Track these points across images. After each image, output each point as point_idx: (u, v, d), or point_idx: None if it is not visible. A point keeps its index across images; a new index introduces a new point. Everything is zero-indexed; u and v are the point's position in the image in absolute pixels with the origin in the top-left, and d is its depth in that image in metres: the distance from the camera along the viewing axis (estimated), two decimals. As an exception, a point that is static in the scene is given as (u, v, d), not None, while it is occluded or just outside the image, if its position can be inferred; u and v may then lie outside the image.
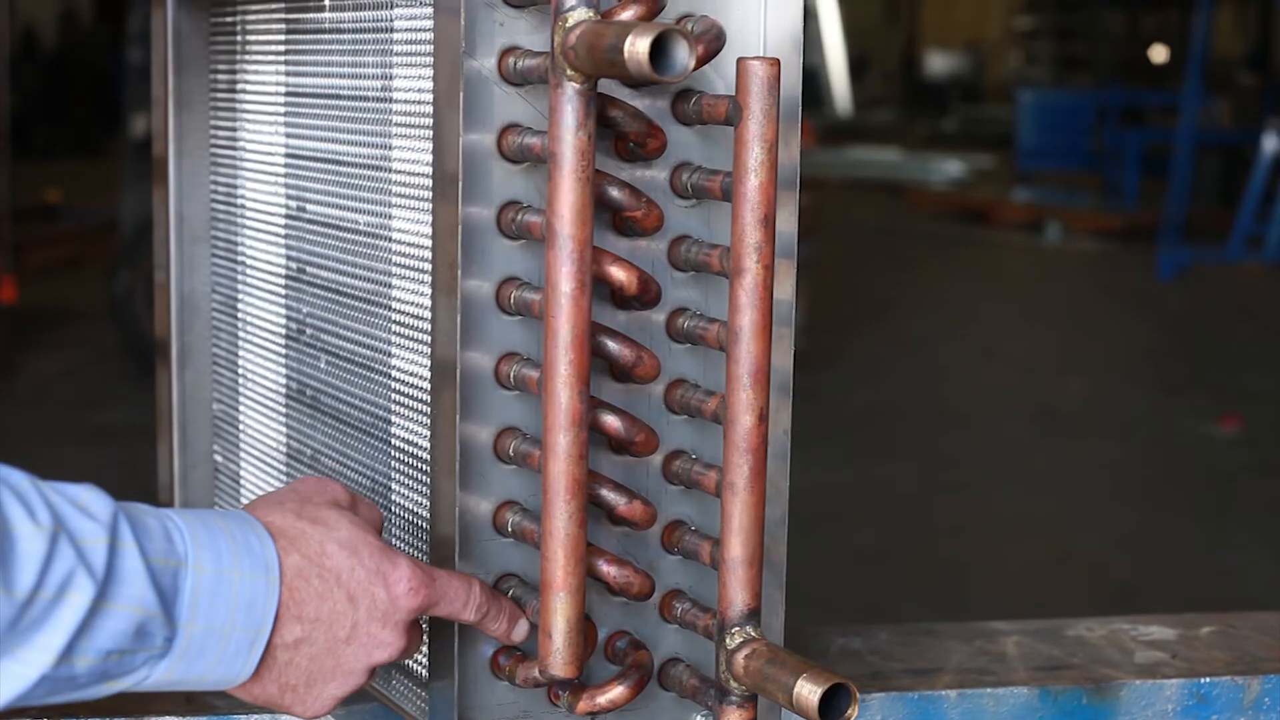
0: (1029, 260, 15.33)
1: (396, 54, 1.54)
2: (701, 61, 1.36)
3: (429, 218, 1.47)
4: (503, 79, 1.38)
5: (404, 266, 1.54)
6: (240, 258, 1.94)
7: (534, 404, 1.42)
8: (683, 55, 1.19)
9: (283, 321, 1.83)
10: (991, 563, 6.50)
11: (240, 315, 1.95)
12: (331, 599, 1.30)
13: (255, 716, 1.64)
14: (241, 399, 1.95)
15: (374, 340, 1.61)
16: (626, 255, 1.41)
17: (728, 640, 1.32)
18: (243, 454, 1.97)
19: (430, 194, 1.45)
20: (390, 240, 1.57)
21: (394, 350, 1.57)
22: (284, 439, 1.85)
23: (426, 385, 1.49)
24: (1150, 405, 9.24)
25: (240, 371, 1.95)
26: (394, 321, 1.57)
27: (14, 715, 1.48)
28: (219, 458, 2.04)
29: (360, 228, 1.63)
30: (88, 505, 1.18)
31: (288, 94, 1.79)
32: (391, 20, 1.55)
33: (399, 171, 1.55)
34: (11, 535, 1.12)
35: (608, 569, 1.39)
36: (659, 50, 1.18)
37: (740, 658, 1.31)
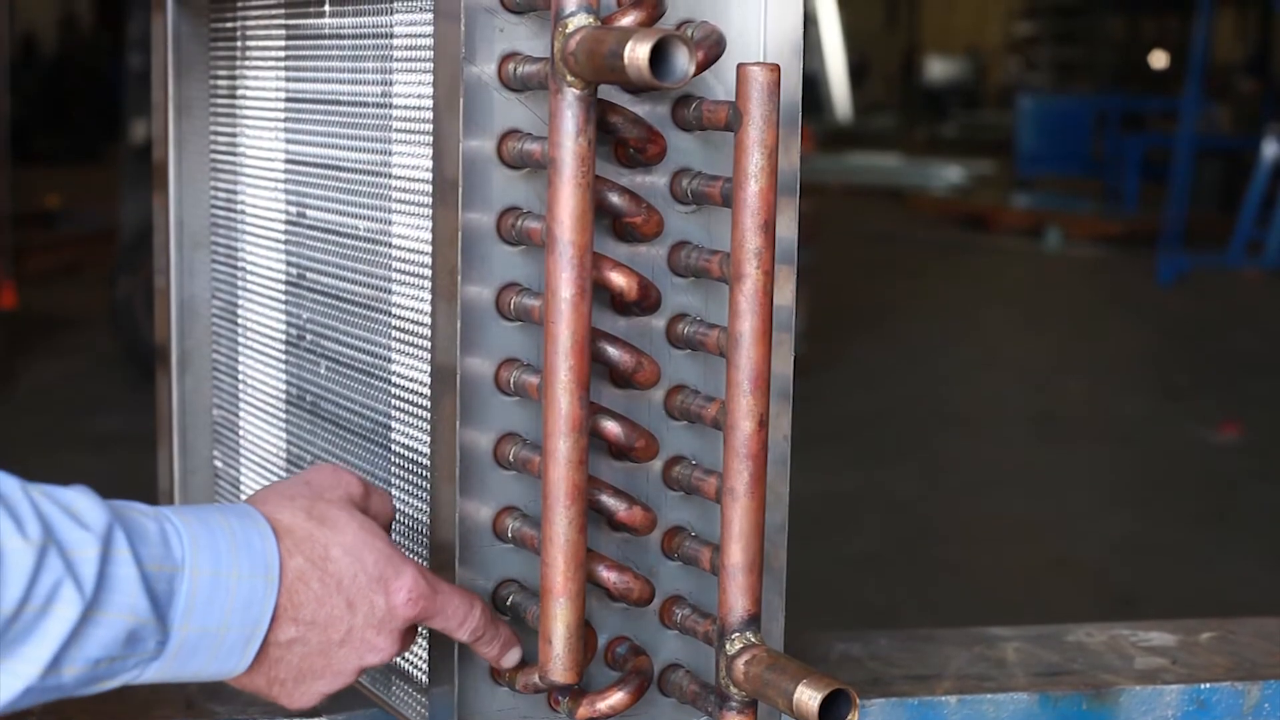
0: (1029, 266, 15.33)
1: (396, 59, 1.54)
2: (701, 67, 1.36)
3: (429, 223, 1.47)
4: (503, 85, 1.38)
5: (404, 272, 1.54)
6: (240, 263, 1.94)
7: (534, 409, 1.42)
8: (683, 61, 1.19)
9: (283, 327, 1.83)
10: (991, 568, 6.50)
11: (240, 321, 1.95)
12: (330, 603, 1.29)
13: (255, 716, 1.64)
14: (241, 404, 1.95)
15: (374, 346, 1.61)
16: (626, 261, 1.41)
17: (728, 646, 1.32)
18: (243, 459, 1.97)
19: (430, 200, 1.45)
20: (390, 246, 1.57)
21: (394, 356, 1.57)
22: (284, 445, 1.85)
23: (426, 391, 1.49)
24: (1150, 411, 9.23)
25: (240, 377, 1.95)
26: (394, 327, 1.57)
27: (15, 717, 1.48)
28: (219, 463, 2.04)
29: (360, 233, 1.63)
30: (81, 513, 1.17)
31: (288, 99, 1.80)
32: (391, 26, 1.55)
33: (399, 177, 1.55)
34: None
35: (608, 574, 1.39)
36: (659, 56, 1.18)
37: (740, 663, 1.31)
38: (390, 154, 1.56)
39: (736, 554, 1.31)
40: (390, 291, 1.57)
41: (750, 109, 1.27)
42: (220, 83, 1.97)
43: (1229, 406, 9.16)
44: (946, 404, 9.36)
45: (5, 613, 1.11)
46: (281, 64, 1.81)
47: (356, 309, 1.65)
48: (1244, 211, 14.16)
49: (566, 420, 1.28)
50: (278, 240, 1.83)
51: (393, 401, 1.57)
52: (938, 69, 34.80)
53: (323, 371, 1.74)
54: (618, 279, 1.37)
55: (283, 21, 1.79)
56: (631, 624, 1.47)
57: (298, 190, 1.78)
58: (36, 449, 7.19)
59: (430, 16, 1.45)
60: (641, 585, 1.41)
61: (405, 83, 1.53)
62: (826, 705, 1.24)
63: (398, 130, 1.54)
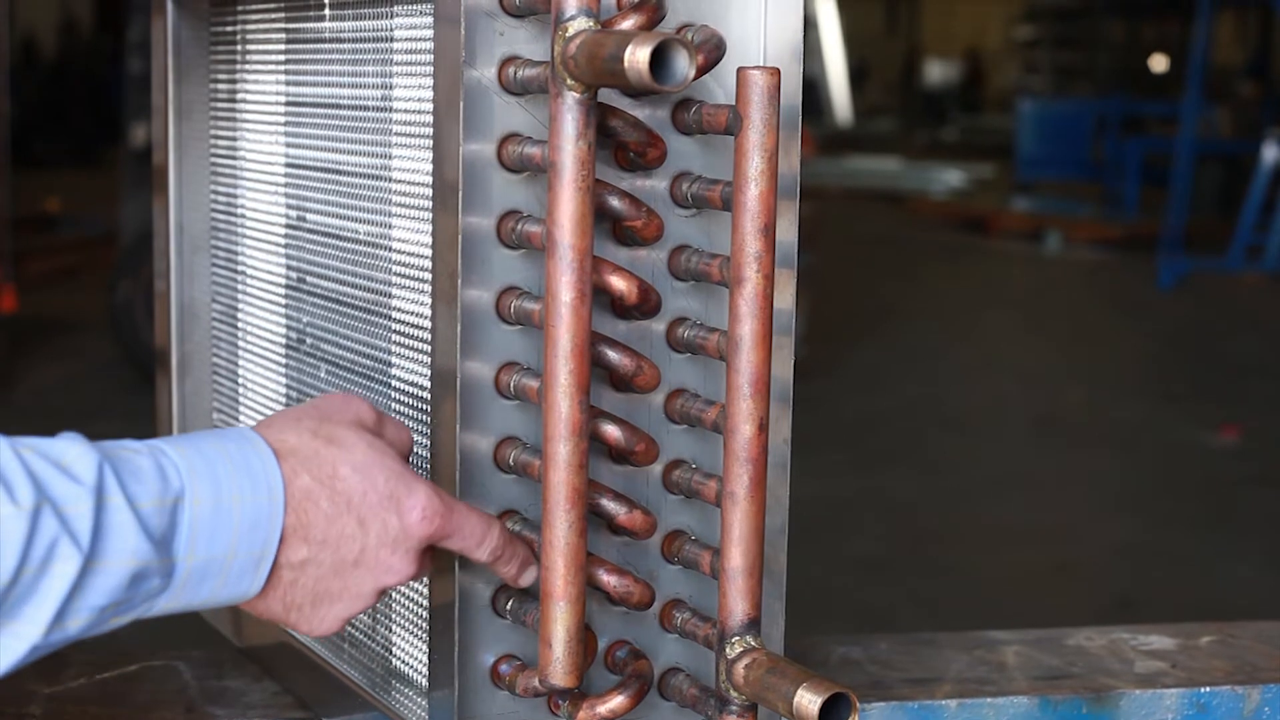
0: (1029, 269, 15.33)
1: (396, 63, 1.54)
2: (701, 71, 1.36)
3: (429, 227, 1.47)
4: (503, 88, 1.38)
5: (404, 276, 1.54)
6: (240, 267, 1.94)
7: (534, 413, 1.42)
8: (683, 65, 1.19)
9: (283, 331, 1.83)
10: (991, 572, 6.50)
11: (240, 325, 1.95)
12: (340, 522, 1.27)
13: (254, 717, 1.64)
14: (242, 409, 1.95)
15: (374, 350, 1.61)
16: (626, 265, 1.41)
17: (728, 649, 1.32)
18: (243, 463, 1.96)
19: (430, 203, 1.45)
20: (390, 250, 1.57)
21: (394, 360, 1.57)
22: (284, 448, 1.84)
23: (427, 395, 1.49)
24: (1150, 414, 9.23)
25: (240, 381, 1.95)
26: (394, 331, 1.57)
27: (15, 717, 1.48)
28: (219, 467, 2.03)
29: (360, 237, 1.64)
30: (71, 465, 1.15)
31: (288, 103, 1.80)
32: (391, 30, 1.55)
33: (399, 181, 1.55)
34: None
35: (608, 578, 1.39)
36: (659, 60, 1.18)
37: (740, 667, 1.31)
38: (390, 158, 1.56)
39: (737, 558, 1.31)
40: (390, 295, 1.57)
41: (750, 113, 1.27)
42: (220, 86, 1.97)
43: (1229, 410, 9.16)
44: (946, 407, 9.37)
45: (3, 580, 1.10)
46: (281, 68, 1.81)
47: (357, 313, 1.65)
48: (1244, 215, 14.17)
49: (567, 424, 1.28)
50: (278, 244, 1.83)
51: (393, 405, 1.57)
52: (937, 73, 34.83)
53: (323, 375, 1.74)
54: (618, 282, 1.37)
55: (283, 25, 1.80)
56: (632, 627, 1.47)
57: (298, 194, 1.78)
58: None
59: (430, 20, 1.45)
60: (642, 589, 1.41)
61: (405, 86, 1.53)
62: (827, 709, 1.24)
63: (398, 134, 1.55)
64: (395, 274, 1.56)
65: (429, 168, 1.46)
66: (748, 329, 1.29)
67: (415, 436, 1.53)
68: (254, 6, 1.86)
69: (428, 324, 1.48)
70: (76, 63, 23.33)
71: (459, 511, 1.33)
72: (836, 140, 25.18)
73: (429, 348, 1.46)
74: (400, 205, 1.55)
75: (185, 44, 1.98)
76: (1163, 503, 7.51)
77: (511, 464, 1.41)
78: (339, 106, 1.67)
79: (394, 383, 1.57)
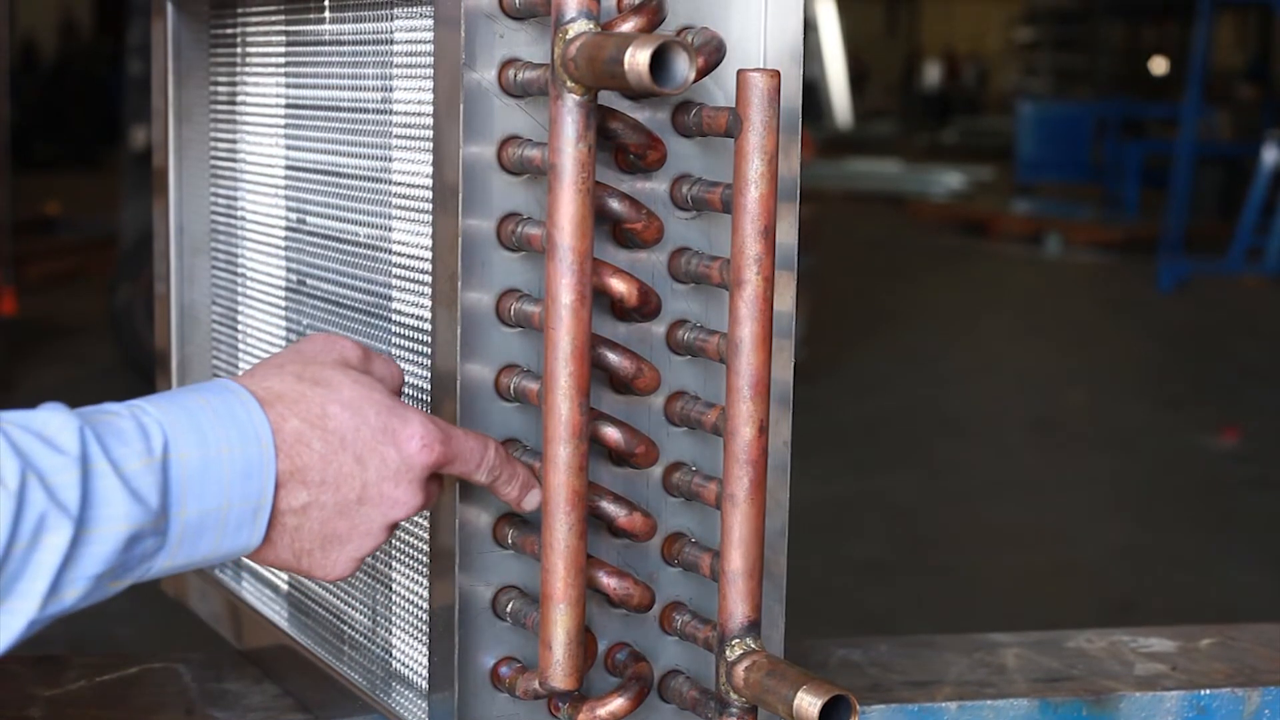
0: (1029, 272, 15.34)
1: (396, 66, 1.54)
2: (702, 73, 1.36)
3: (429, 230, 1.47)
4: (503, 91, 1.38)
5: (404, 279, 1.54)
6: (240, 270, 1.94)
7: (534, 416, 1.42)
8: (683, 67, 1.19)
9: (283, 334, 1.83)
10: (991, 574, 6.50)
11: (241, 327, 1.95)
12: (337, 461, 1.26)
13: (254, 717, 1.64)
14: (241, 411, 1.95)
15: (374, 352, 1.61)
16: (626, 267, 1.41)
17: (728, 652, 1.32)
18: (243, 466, 1.96)
19: (430, 206, 1.45)
20: (390, 252, 1.57)
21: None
22: (284, 451, 1.84)
23: (427, 397, 1.49)
24: (1150, 417, 9.24)
25: (240, 383, 1.95)
26: (394, 334, 1.57)
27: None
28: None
29: (360, 240, 1.64)
30: (55, 436, 1.14)
31: (288, 105, 1.80)
32: (391, 32, 1.55)
33: (399, 184, 1.55)
34: None
35: (608, 581, 1.39)
36: (659, 62, 1.18)
37: (740, 669, 1.31)
38: (390, 160, 1.56)
39: (736, 560, 1.31)
40: (390, 298, 1.57)
41: (750, 115, 1.27)
42: (220, 89, 1.97)
43: (1229, 412, 9.17)
44: (946, 410, 9.37)
45: None
46: (282, 70, 1.81)
47: (357, 315, 1.65)
48: (1244, 218, 14.17)
49: (566, 426, 1.28)
50: (278, 246, 1.83)
51: (393, 407, 1.57)
52: (937, 75, 34.84)
53: (323, 377, 1.73)
54: (618, 285, 1.37)
55: (283, 27, 1.80)
56: (632, 630, 1.47)
57: (298, 196, 1.78)
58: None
59: (430, 22, 1.45)
60: (641, 591, 1.41)
61: (405, 89, 1.53)
62: (827, 711, 1.24)
63: (398, 136, 1.55)
64: (395, 276, 1.56)
65: (429, 170, 1.47)
66: (748, 331, 1.29)
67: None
68: (254, 9, 1.86)
69: (428, 326, 1.48)
70: (76, 65, 23.33)
71: (456, 436, 1.31)
72: (836, 143, 25.18)
73: (429, 350, 1.46)
74: (400, 208, 1.55)
75: (185, 46, 1.99)
76: (1163, 505, 7.52)
77: (511, 466, 1.41)
78: (339, 109, 1.67)
79: (394, 385, 1.57)
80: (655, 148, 1.40)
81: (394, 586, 1.60)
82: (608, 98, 1.38)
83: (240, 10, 1.90)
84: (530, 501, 1.38)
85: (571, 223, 1.26)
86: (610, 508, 1.40)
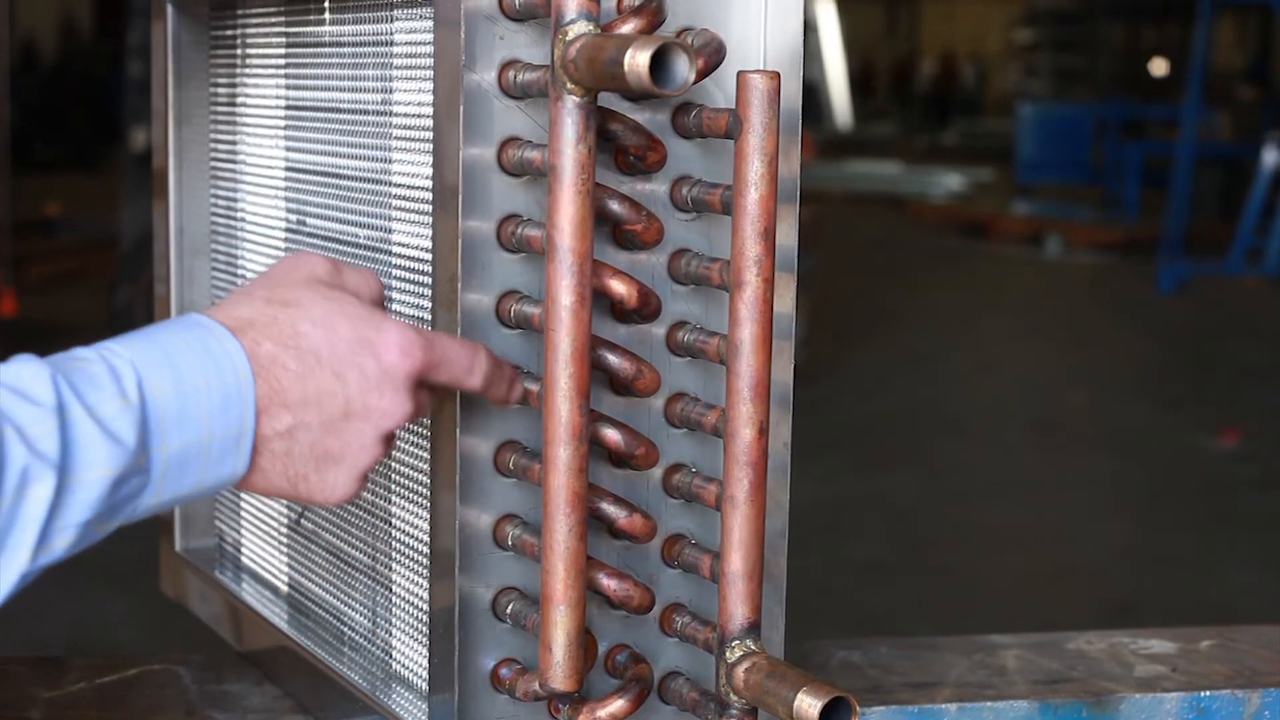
0: (1029, 273, 15.34)
1: (396, 67, 1.54)
2: (702, 75, 1.36)
3: (429, 231, 1.47)
4: (503, 92, 1.38)
5: (404, 280, 1.54)
6: (241, 271, 1.94)
7: (534, 417, 1.42)
8: (683, 68, 1.19)
9: (283, 334, 1.83)
10: (991, 575, 6.50)
11: (240, 328, 1.94)
12: (315, 379, 1.24)
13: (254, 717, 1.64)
14: (241, 412, 1.95)
15: (374, 353, 1.61)
16: (626, 268, 1.41)
17: (728, 654, 1.32)
18: (243, 467, 1.96)
19: (430, 207, 1.45)
20: (390, 254, 1.57)
21: (394, 363, 1.57)
22: (284, 452, 1.84)
23: (426, 398, 1.49)
24: (1150, 418, 9.24)
25: (240, 384, 1.95)
26: (394, 334, 1.56)
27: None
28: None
29: (360, 241, 1.64)
30: (28, 388, 1.13)
31: (288, 107, 1.80)
32: (391, 34, 1.55)
33: (399, 185, 1.55)
34: None
35: (608, 582, 1.39)
36: (659, 63, 1.18)
37: (740, 671, 1.31)
38: (390, 161, 1.56)
39: (736, 561, 1.31)
40: (390, 300, 1.57)
41: (750, 116, 1.27)
42: (220, 90, 1.97)
43: (1229, 413, 9.17)
44: (946, 410, 9.37)
45: None
46: (281, 71, 1.81)
47: (356, 316, 1.65)
48: (1244, 219, 14.18)
49: (567, 428, 1.28)
50: (278, 248, 1.83)
51: (393, 409, 1.57)
52: (936, 76, 34.83)
53: (323, 379, 1.73)
54: (618, 286, 1.37)
55: (283, 29, 1.80)
56: (632, 631, 1.47)
57: (298, 198, 1.78)
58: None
59: (430, 24, 1.45)
60: (641, 593, 1.41)
61: (405, 90, 1.53)
62: (827, 713, 1.24)
63: (398, 138, 1.55)
64: (395, 278, 1.56)
65: (429, 172, 1.46)
66: (748, 333, 1.29)
67: (415, 438, 1.53)
68: (254, 10, 1.86)
69: (428, 328, 1.48)
70: (76, 66, 23.35)
71: (440, 341, 1.30)
72: (836, 144, 25.19)
73: (429, 351, 1.46)
74: (400, 209, 1.55)
75: (185, 48, 1.99)
76: (1162, 506, 7.52)
77: (512, 468, 1.41)
78: (339, 110, 1.67)
79: (394, 386, 1.56)
80: (655, 149, 1.39)
81: (394, 588, 1.60)
82: (608, 99, 1.38)
83: (240, 12, 1.90)
84: (516, 392, 1.37)
85: (571, 224, 1.26)
86: (610, 509, 1.40)
